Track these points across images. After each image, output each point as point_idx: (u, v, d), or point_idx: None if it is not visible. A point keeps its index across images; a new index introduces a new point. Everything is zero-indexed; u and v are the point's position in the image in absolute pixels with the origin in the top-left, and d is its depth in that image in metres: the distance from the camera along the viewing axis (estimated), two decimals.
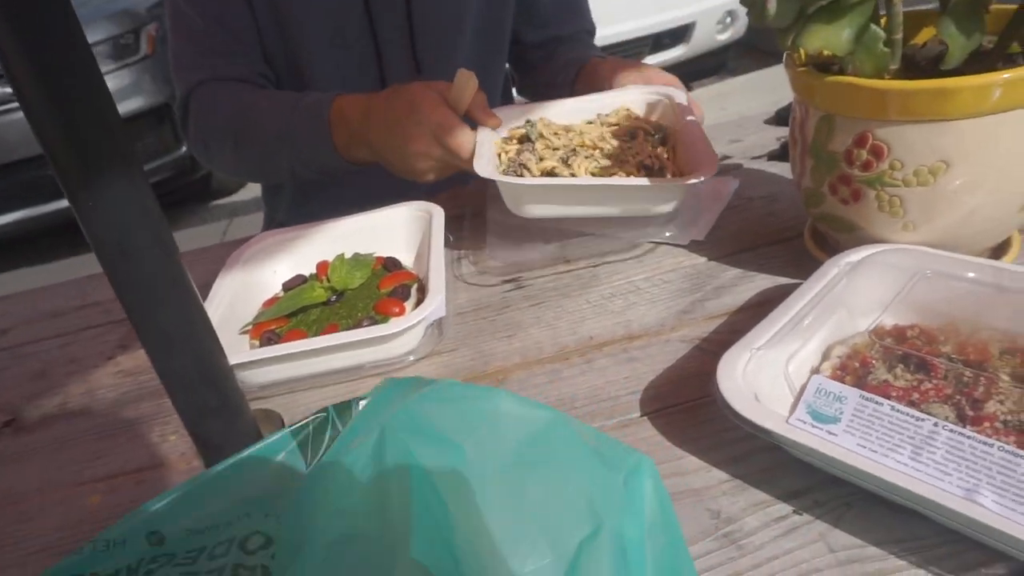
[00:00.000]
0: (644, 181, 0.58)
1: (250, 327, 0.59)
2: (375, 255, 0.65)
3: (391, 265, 0.63)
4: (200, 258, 0.80)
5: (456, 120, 0.65)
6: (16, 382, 0.66)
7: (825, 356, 0.44)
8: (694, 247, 0.62)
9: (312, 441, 0.34)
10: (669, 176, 0.62)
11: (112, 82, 3.22)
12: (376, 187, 0.93)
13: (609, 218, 0.63)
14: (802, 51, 0.51)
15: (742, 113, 0.78)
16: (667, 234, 0.63)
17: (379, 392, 0.31)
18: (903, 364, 0.41)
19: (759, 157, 0.77)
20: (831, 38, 0.43)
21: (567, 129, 0.69)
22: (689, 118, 0.66)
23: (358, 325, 0.55)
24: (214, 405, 0.47)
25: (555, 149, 0.66)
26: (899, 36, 0.44)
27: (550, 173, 0.62)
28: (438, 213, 0.65)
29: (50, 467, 0.52)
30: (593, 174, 0.61)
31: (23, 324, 0.75)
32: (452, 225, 0.64)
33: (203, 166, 0.92)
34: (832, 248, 0.54)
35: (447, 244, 0.63)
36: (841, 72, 0.48)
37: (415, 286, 0.60)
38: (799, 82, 0.49)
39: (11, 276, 3.14)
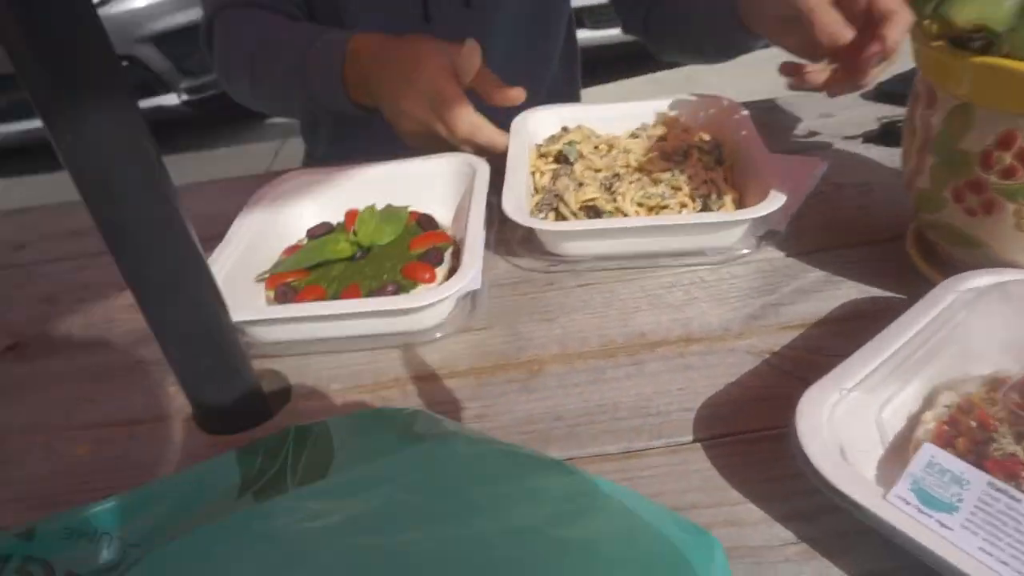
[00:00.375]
0: (701, 217, 0.50)
1: (267, 276, 0.53)
2: (410, 209, 0.58)
3: (426, 223, 0.56)
4: (235, 188, 0.75)
5: (457, 93, 0.59)
6: (27, 303, 0.62)
7: (928, 402, 0.36)
8: (770, 238, 0.54)
9: (260, 466, 0.30)
10: (729, 204, 0.53)
11: None
12: None
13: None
14: (935, 23, 0.42)
15: None
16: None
17: (358, 427, 0.26)
18: None
19: (853, 138, 0.67)
20: (988, 8, 0.34)
21: (609, 145, 0.61)
22: (745, 127, 0.58)
23: (382, 289, 0.49)
24: (209, 364, 0.42)
25: (596, 171, 0.58)
26: None
27: (591, 205, 0.54)
28: (483, 170, 0.58)
29: (40, 405, 0.48)
30: (640, 204, 0.53)
31: (40, 240, 0.71)
32: (497, 182, 0.57)
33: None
34: (942, 262, 0.46)
35: (489, 205, 0.57)
36: (987, 51, 0.38)
37: (449, 250, 0.54)
38: (930, 60, 0.40)
39: (34, 183, 3.16)
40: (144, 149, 0.34)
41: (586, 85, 1.03)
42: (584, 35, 2.88)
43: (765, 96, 0.77)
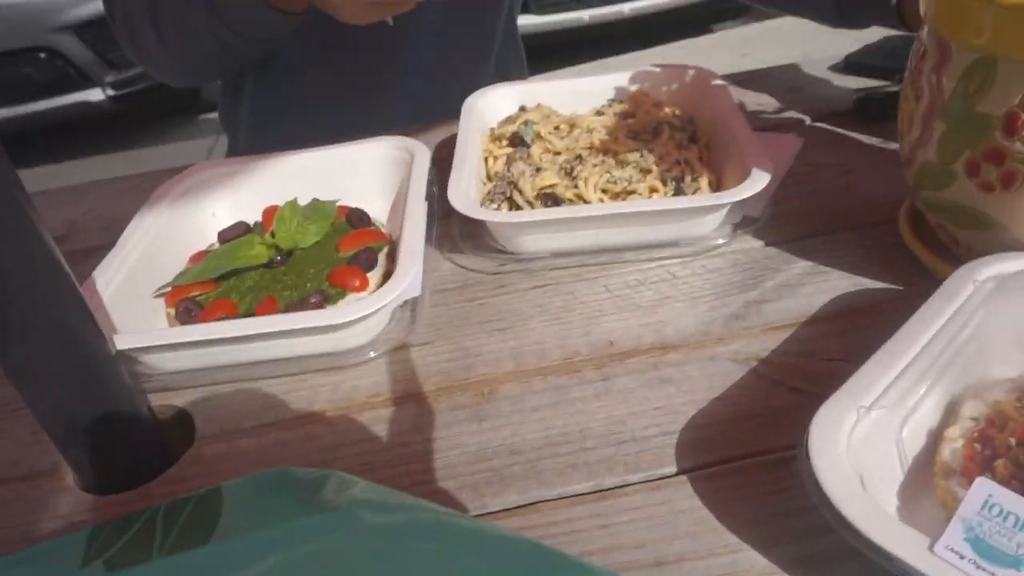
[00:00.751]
0: (675, 203, 0.44)
1: (167, 289, 0.45)
2: (339, 203, 0.51)
3: (357, 219, 0.49)
4: (143, 185, 0.66)
5: None
6: None
7: (950, 414, 0.31)
8: (747, 225, 0.48)
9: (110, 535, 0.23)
10: (705, 187, 0.47)
11: None
12: (351, 113, 0.78)
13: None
14: None
15: (765, 61, 0.62)
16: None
17: (258, 490, 0.19)
18: None
19: (827, 116, 0.62)
20: None
21: (571, 124, 0.54)
22: (723, 100, 0.52)
23: (304, 301, 0.42)
24: (82, 407, 0.34)
25: (556, 154, 0.51)
26: None
27: (549, 192, 0.47)
28: (421, 154, 0.51)
29: None
30: (605, 190, 0.47)
31: None
32: (443, 169, 0.50)
33: (140, 66, 0.76)
34: (941, 245, 0.40)
35: (431, 196, 0.49)
36: None
37: (384, 251, 0.46)
38: (944, 7, 0.34)
39: None
40: None
41: (532, 74, 0.97)
42: (530, 21, 2.81)
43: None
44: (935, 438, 0.31)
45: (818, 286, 0.42)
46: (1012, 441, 0.28)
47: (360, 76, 0.77)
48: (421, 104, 0.74)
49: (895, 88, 0.49)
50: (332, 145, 0.55)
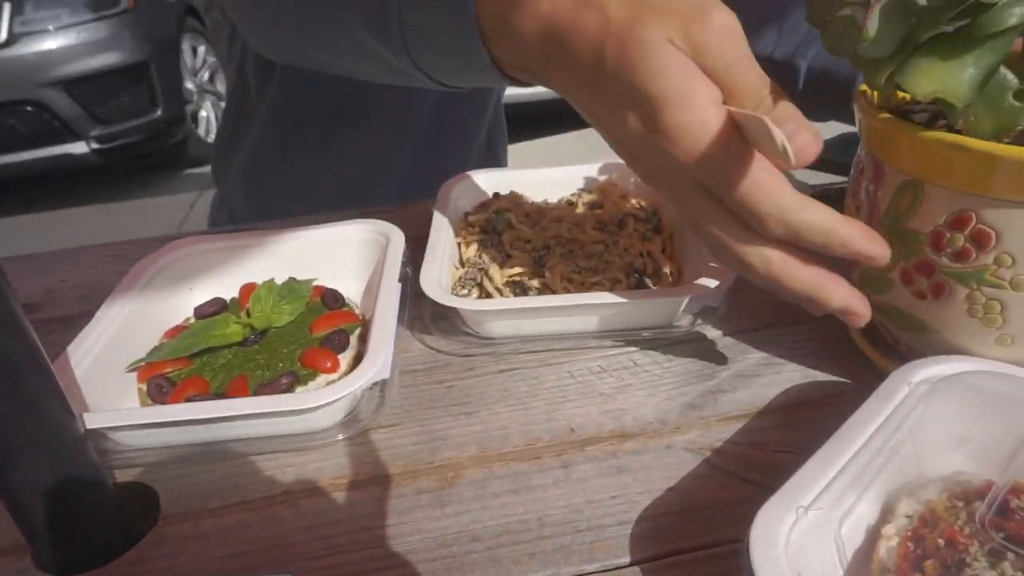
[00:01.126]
0: (633, 296, 0.46)
1: (140, 365, 0.46)
2: (315, 282, 0.52)
3: (331, 300, 0.50)
4: (122, 252, 0.67)
5: (734, 141, 0.34)
6: None
7: (887, 512, 0.32)
8: (706, 315, 0.50)
9: None
10: (665, 280, 0.50)
11: (87, 34, 3.06)
12: (344, 181, 0.80)
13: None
14: (879, 93, 0.39)
15: None
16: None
17: None
18: (1017, 556, 0.30)
19: None
20: (948, 79, 0.31)
21: (541, 212, 0.57)
22: None
23: (275, 382, 0.43)
24: (46, 486, 0.34)
25: (526, 242, 0.53)
26: None
27: (518, 279, 0.50)
28: (396, 239, 0.53)
29: None
30: (570, 280, 0.49)
31: None
32: (419, 247, 0.51)
33: (246, 35, 0.65)
34: (886, 343, 0.43)
35: (404, 277, 0.51)
36: (931, 124, 0.36)
37: (357, 332, 0.48)
38: (877, 132, 0.37)
39: None
40: None
41: (511, 142, 1.00)
42: (511, 91, 2.90)
43: None
44: (873, 535, 0.32)
45: (771, 377, 0.44)
46: (940, 542, 0.30)
47: (360, 144, 0.80)
48: (415, 172, 0.76)
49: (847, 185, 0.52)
50: (310, 226, 0.56)
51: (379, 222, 0.56)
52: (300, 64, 0.60)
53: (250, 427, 0.41)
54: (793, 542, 0.28)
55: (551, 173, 0.62)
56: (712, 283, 0.45)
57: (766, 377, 0.44)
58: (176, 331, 0.49)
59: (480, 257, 0.52)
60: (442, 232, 0.53)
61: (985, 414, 0.34)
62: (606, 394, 0.44)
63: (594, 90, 0.37)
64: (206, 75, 3.71)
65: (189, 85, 3.51)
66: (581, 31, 0.36)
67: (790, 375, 0.44)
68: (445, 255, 0.52)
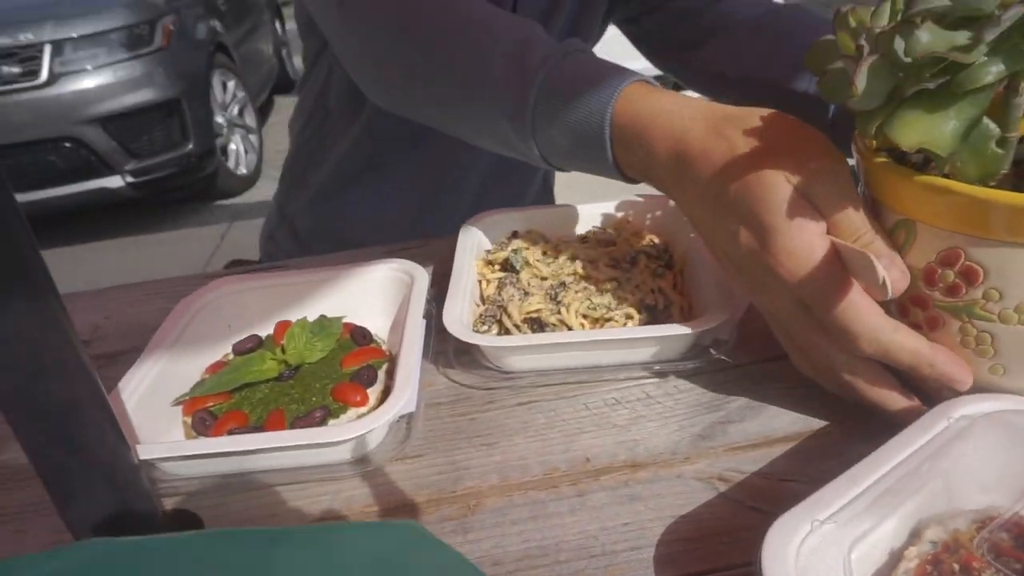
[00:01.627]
0: (645, 331, 0.49)
1: (184, 399, 0.49)
2: (345, 319, 0.55)
3: (360, 337, 0.53)
4: (161, 290, 0.71)
5: (838, 275, 0.39)
6: None
7: (915, 537, 0.34)
8: (718, 347, 0.52)
9: None
10: (676, 314, 0.53)
11: (123, 72, 3.17)
12: (423, 205, 0.83)
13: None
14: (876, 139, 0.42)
15: None
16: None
17: None
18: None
19: None
20: (932, 131, 0.33)
21: (557, 250, 0.59)
22: (693, 234, 0.56)
23: (309, 416, 0.46)
24: (107, 514, 0.37)
25: (543, 279, 0.56)
26: (1015, 135, 0.35)
27: (535, 316, 0.53)
28: (420, 278, 0.56)
29: None
30: (585, 316, 0.52)
31: None
32: (443, 284, 0.54)
33: (353, 76, 0.65)
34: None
35: (428, 314, 0.54)
36: (926, 166, 0.39)
37: (384, 367, 0.51)
38: (875, 176, 0.40)
39: None
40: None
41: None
42: None
43: None
44: (896, 557, 0.34)
45: (777, 408, 0.46)
46: (956, 567, 0.32)
47: (431, 176, 0.85)
48: (479, 205, 0.79)
49: None
50: (340, 266, 0.60)
51: (404, 262, 0.59)
52: (416, 120, 0.64)
53: (286, 458, 0.44)
54: (804, 553, 0.30)
55: (567, 211, 0.65)
56: (721, 317, 0.47)
57: (772, 408, 0.46)
58: (217, 367, 0.53)
59: (499, 294, 0.55)
60: (463, 271, 0.56)
61: (1022, 452, 0.35)
62: (620, 425, 0.46)
63: (712, 208, 0.43)
64: (235, 109, 3.82)
65: (219, 119, 3.62)
66: (709, 158, 0.42)
67: (796, 405, 0.46)
68: (467, 293, 0.55)
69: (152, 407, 0.48)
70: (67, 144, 3.10)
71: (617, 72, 0.48)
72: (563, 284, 0.55)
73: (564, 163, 0.53)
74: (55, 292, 0.33)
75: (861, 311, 0.38)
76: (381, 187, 0.85)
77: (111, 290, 0.74)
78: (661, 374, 0.50)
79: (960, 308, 0.37)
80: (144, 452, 0.41)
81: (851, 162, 0.43)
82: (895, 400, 0.41)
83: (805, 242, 0.39)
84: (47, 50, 3.07)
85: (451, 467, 0.44)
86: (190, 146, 3.37)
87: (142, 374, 0.49)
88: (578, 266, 0.57)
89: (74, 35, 3.11)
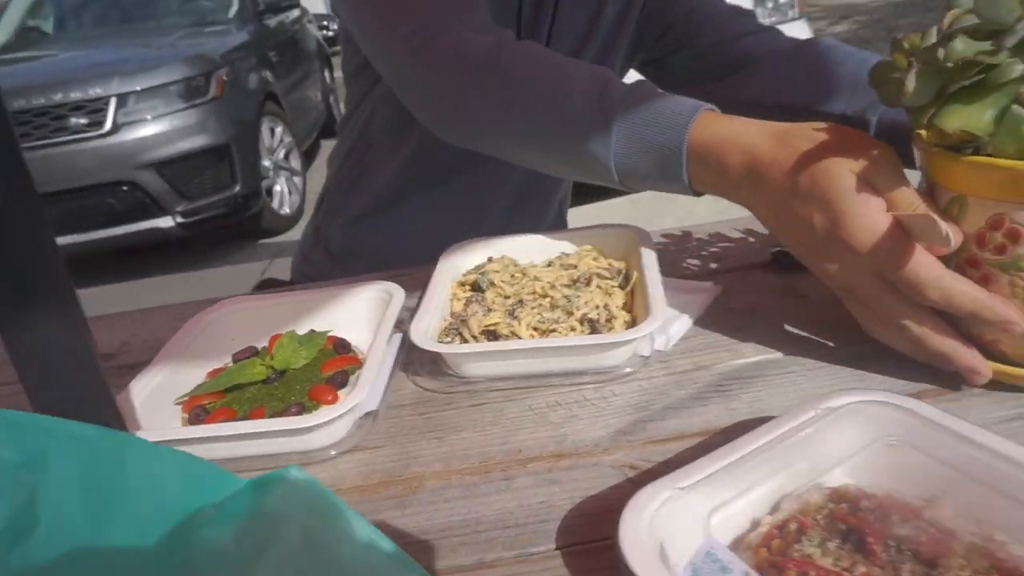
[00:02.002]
0: (580, 340, 0.55)
1: (186, 398, 0.57)
2: (330, 332, 0.63)
3: (340, 347, 0.61)
4: (185, 313, 0.80)
5: (902, 239, 0.47)
6: None
7: (775, 508, 0.39)
8: (656, 358, 0.58)
9: None
10: (618, 327, 0.59)
11: (179, 121, 3.39)
12: (453, 230, 0.90)
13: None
14: (931, 133, 0.49)
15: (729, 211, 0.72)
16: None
17: None
18: (841, 539, 0.37)
19: (745, 267, 0.72)
20: (972, 118, 0.42)
21: (523, 272, 0.67)
22: (646, 256, 0.63)
23: (286, 411, 0.53)
24: None
25: (506, 297, 0.64)
26: None
27: (492, 329, 0.60)
28: (398, 296, 0.64)
29: None
30: (536, 328, 0.59)
31: None
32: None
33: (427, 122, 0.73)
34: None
35: (403, 328, 0.61)
36: (976, 152, 0.46)
37: (358, 372, 0.58)
38: (931, 161, 0.48)
39: None
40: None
41: (572, 205, 1.12)
42: None
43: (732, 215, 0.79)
44: (755, 525, 0.39)
45: (697, 410, 0.52)
46: (793, 528, 0.37)
47: (460, 201, 0.94)
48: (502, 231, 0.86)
49: None
50: (330, 286, 0.68)
51: (387, 283, 0.67)
52: (479, 151, 0.71)
53: (262, 446, 0.51)
54: (662, 514, 0.36)
55: (537, 239, 0.72)
56: (642, 332, 0.53)
57: (692, 409, 0.52)
58: (216, 372, 0.61)
59: (465, 310, 0.62)
60: (437, 290, 0.64)
61: (876, 437, 0.41)
62: (555, 423, 0.53)
63: (787, 204, 0.51)
64: (282, 153, 4.03)
65: (266, 163, 3.82)
66: (779, 164, 0.51)
67: (714, 407, 0.52)
68: (437, 309, 0.62)
69: (157, 405, 0.56)
70: (124, 187, 3.32)
71: (690, 102, 0.57)
72: (521, 302, 0.62)
73: (638, 183, 0.61)
74: (81, 312, 0.42)
75: (925, 265, 0.45)
76: (417, 211, 0.95)
77: (139, 312, 0.84)
78: (600, 381, 0.56)
79: (1008, 264, 0.45)
80: (144, 437, 0.49)
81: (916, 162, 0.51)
82: (958, 349, 0.47)
83: (871, 218, 0.47)
84: (112, 102, 3.32)
85: (403, 456, 0.51)
86: (237, 188, 3.56)
87: (150, 378, 0.57)
88: (537, 286, 0.63)
89: (138, 88, 3.37)
